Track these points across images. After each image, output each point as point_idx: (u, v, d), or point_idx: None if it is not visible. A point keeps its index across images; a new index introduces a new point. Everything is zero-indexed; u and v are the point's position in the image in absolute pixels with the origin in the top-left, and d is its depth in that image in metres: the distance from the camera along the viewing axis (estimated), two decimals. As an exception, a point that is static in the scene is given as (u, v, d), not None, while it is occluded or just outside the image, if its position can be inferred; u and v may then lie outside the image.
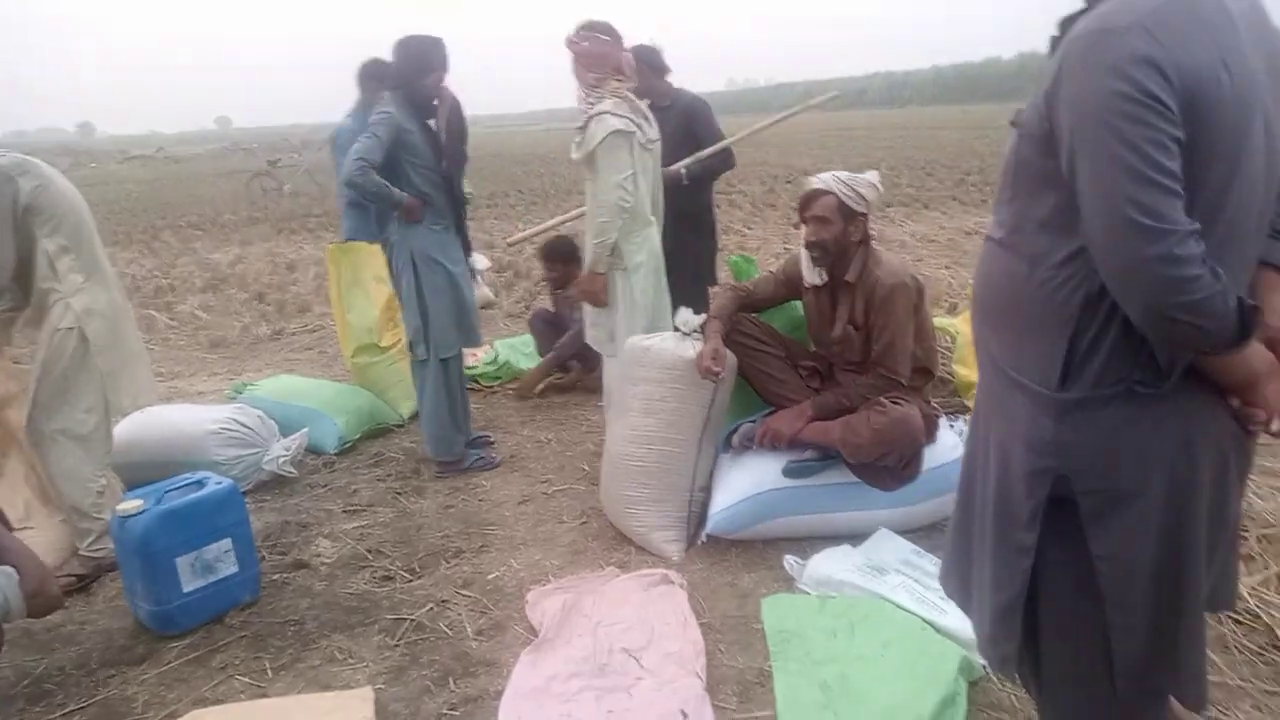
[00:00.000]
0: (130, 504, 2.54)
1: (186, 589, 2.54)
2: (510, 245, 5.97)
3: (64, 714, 2.28)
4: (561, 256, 4.77)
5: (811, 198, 2.78)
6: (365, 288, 4.41)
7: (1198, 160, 1.14)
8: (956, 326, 3.95)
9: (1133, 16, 1.14)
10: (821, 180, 2.79)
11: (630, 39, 3.34)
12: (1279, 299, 1.32)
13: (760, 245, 8.76)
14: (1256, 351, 1.23)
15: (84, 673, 2.45)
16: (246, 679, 2.38)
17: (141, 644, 2.56)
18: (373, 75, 4.51)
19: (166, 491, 2.61)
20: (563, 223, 4.71)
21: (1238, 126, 1.16)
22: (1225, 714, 2.04)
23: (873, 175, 2.83)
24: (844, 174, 2.79)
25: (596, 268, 3.23)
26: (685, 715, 2.08)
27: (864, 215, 2.78)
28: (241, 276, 8.59)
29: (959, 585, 1.62)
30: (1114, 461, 1.28)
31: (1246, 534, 2.57)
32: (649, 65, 3.87)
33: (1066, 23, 1.29)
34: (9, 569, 1.88)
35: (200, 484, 2.65)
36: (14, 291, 2.89)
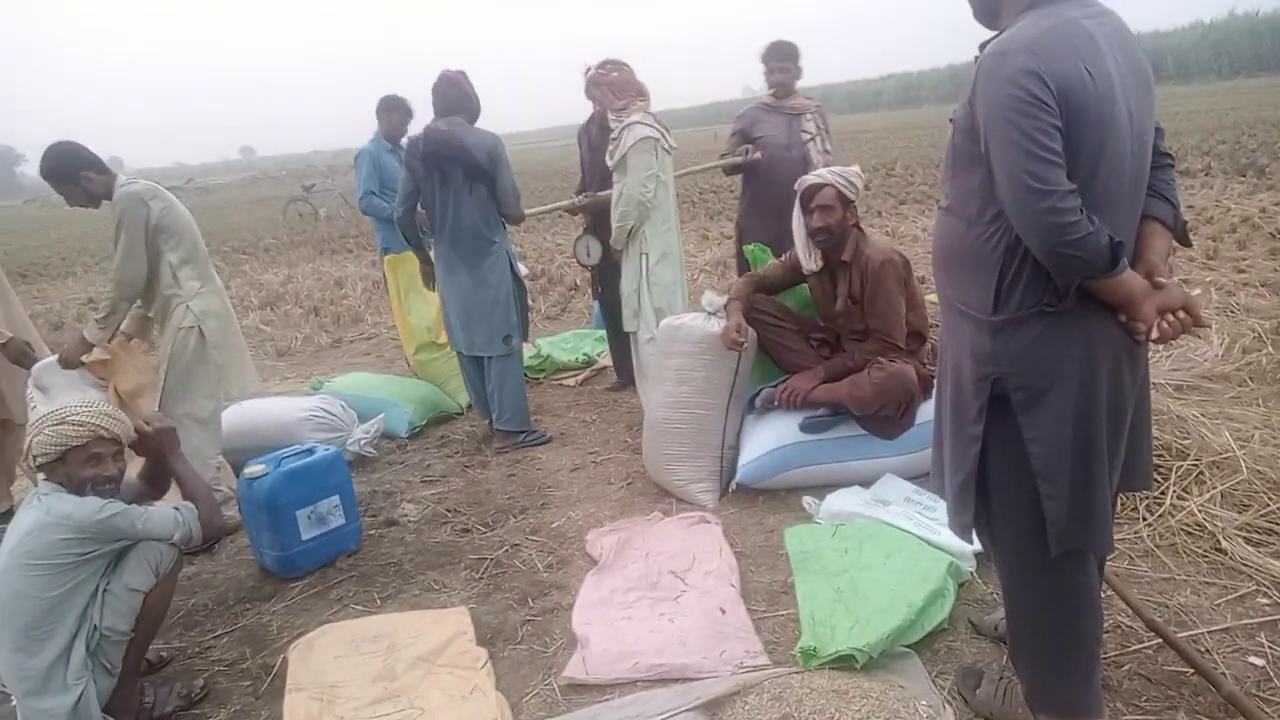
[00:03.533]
0: (256, 468, 3.07)
1: (305, 537, 3.05)
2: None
3: (214, 636, 2.80)
4: None
5: (814, 191, 3.24)
6: (422, 293, 4.92)
7: (1073, 140, 1.60)
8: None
9: (1021, 42, 1.62)
10: (819, 175, 3.27)
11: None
12: (1156, 242, 1.78)
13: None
14: (1133, 278, 1.68)
15: (224, 607, 2.97)
16: (360, 607, 2.88)
17: (268, 585, 3.08)
18: (388, 107, 5.12)
19: (283, 458, 3.12)
20: (564, 208, 5.12)
21: (1102, 115, 1.62)
22: (1169, 599, 2.47)
23: (856, 168, 3.32)
24: (836, 168, 3.28)
25: (616, 246, 4.13)
26: (724, 611, 2.55)
27: (854, 202, 3.25)
28: (295, 294, 9.21)
29: (937, 476, 2.07)
30: (1035, 365, 1.73)
31: (1199, 462, 3.00)
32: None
33: (983, 45, 1.77)
34: (189, 503, 2.40)
35: (310, 451, 3.17)
36: (142, 297, 3.43)
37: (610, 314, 5.05)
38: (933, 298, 4.26)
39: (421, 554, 3.20)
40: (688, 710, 2.12)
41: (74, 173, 3.22)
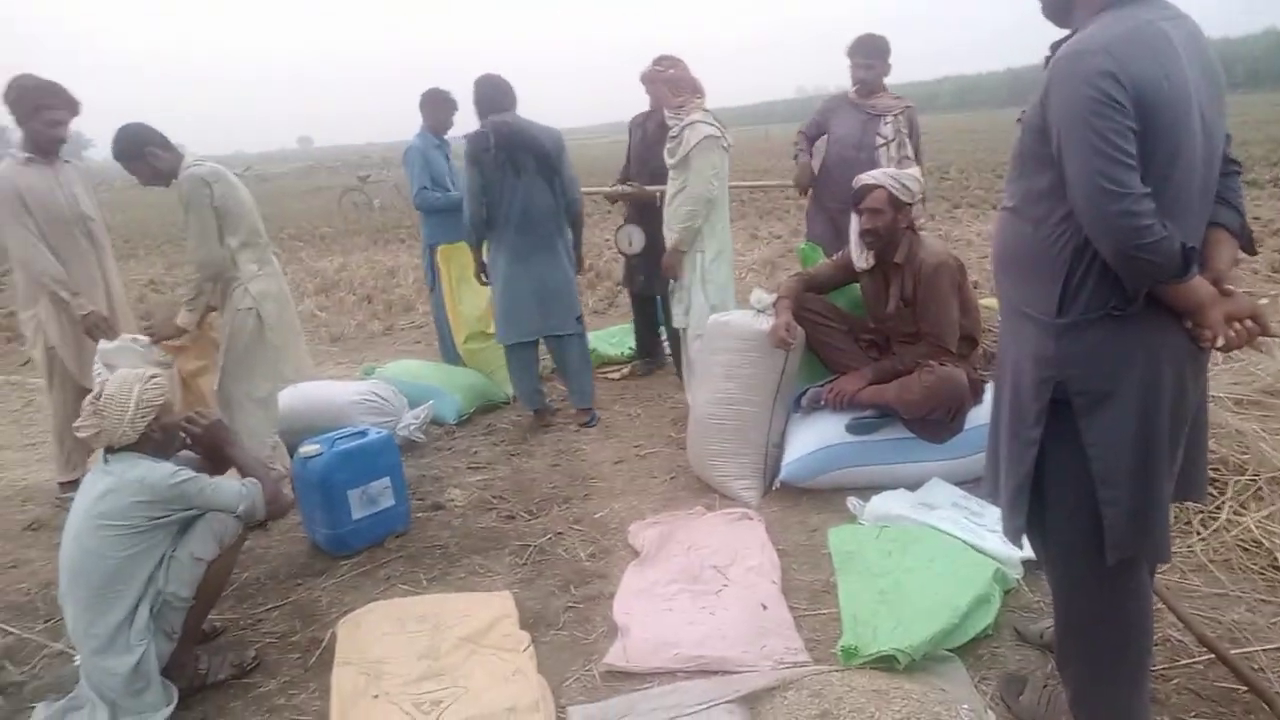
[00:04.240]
0: (310, 448, 3.15)
1: (356, 516, 3.13)
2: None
3: (266, 609, 2.88)
4: None
5: (865, 192, 3.23)
6: (472, 283, 4.99)
7: (1147, 143, 1.58)
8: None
9: (1098, 43, 1.60)
10: (872, 176, 3.25)
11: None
12: (1223, 249, 1.75)
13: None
14: (1202, 284, 1.65)
15: (276, 582, 3.06)
16: (407, 587, 2.95)
17: (319, 562, 3.16)
18: (433, 101, 5.15)
19: (337, 439, 3.20)
20: (606, 194, 5.25)
21: (1177, 119, 1.59)
22: (1222, 615, 2.42)
23: (915, 170, 3.28)
24: (892, 170, 3.26)
25: (680, 247, 4.01)
26: (765, 607, 2.56)
27: (910, 205, 3.23)
28: (349, 281, 9.41)
29: (991, 481, 2.05)
30: (1098, 369, 1.71)
31: (1257, 478, 2.93)
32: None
33: (1055, 45, 1.75)
34: (253, 480, 2.48)
35: (363, 433, 3.25)
36: None
37: (639, 304, 5.13)
38: (987, 302, 4.23)
39: (467, 538, 3.26)
40: (727, 702, 2.14)
41: (140, 150, 3.33)
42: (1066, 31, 1.77)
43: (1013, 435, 1.88)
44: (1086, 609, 1.86)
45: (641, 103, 4.64)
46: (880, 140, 4.31)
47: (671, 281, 4.22)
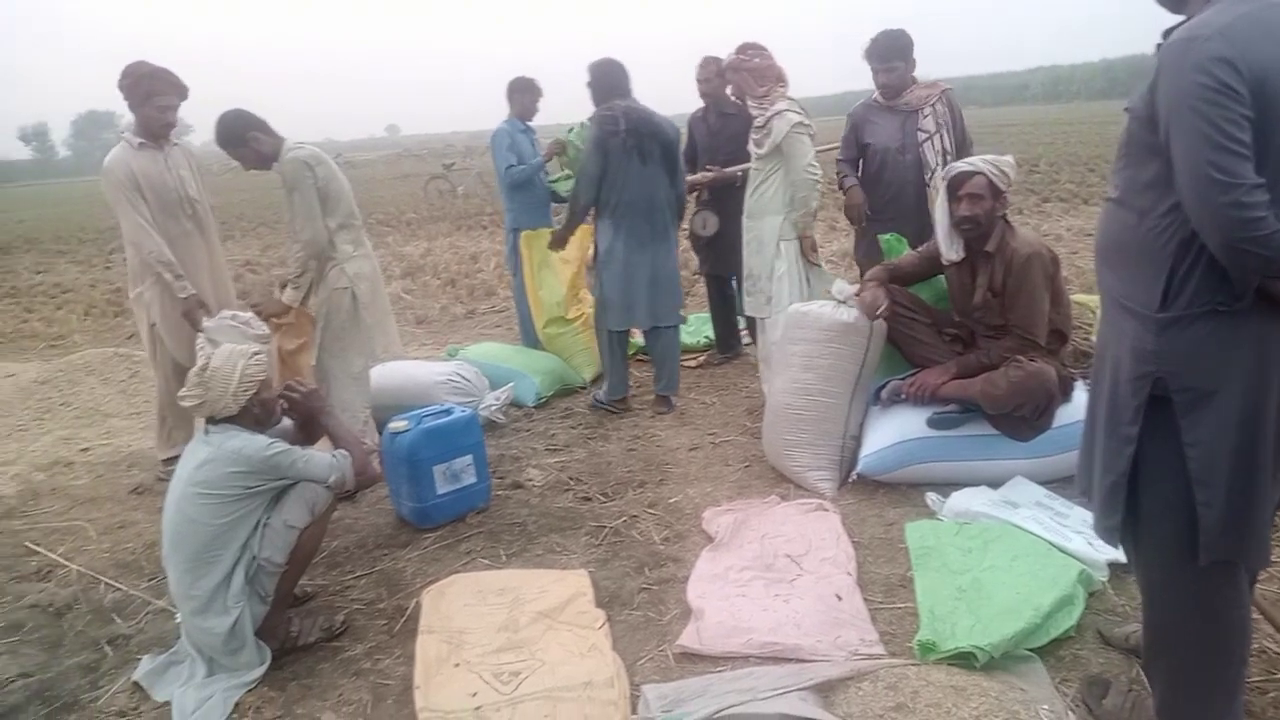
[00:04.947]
0: (400, 424, 3.27)
1: (440, 491, 3.24)
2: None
3: (354, 577, 3.01)
4: None
5: (964, 178, 3.15)
6: (554, 268, 5.08)
7: (1264, 133, 1.51)
8: (1098, 303, 4.18)
9: (1213, 28, 1.54)
10: (971, 163, 3.16)
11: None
12: None
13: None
14: None
15: (363, 551, 3.19)
16: (487, 561, 3.04)
17: (404, 534, 3.28)
18: (520, 89, 5.28)
19: (424, 417, 3.31)
20: (694, 181, 5.05)
21: None
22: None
23: (1010, 158, 3.19)
24: (990, 156, 3.17)
25: (807, 231, 3.99)
26: (840, 598, 2.55)
27: (1005, 192, 3.15)
28: (434, 266, 9.65)
29: (1083, 478, 2.00)
30: (1202, 365, 1.66)
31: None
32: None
33: (1167, 32, 1.69)
34: (344, 451, 2.59)
35: (449, 411, 3.36)
36: None
37: (716, 292, 5.15)
38: (1078, 298, 4.10)
39: (545, 517, 3.33)
40: (800, 689, 2.14)
41: (243, 135, 3.48)
42: (1179, 18, 1.71)
43: (1109, 432, 1.83)
44: (1178, 614, 1.81)
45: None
46: (923, 135, 4.07)
47: (746, 269, 4.20)
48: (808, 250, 4.03)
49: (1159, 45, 1.70)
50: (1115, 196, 1.80)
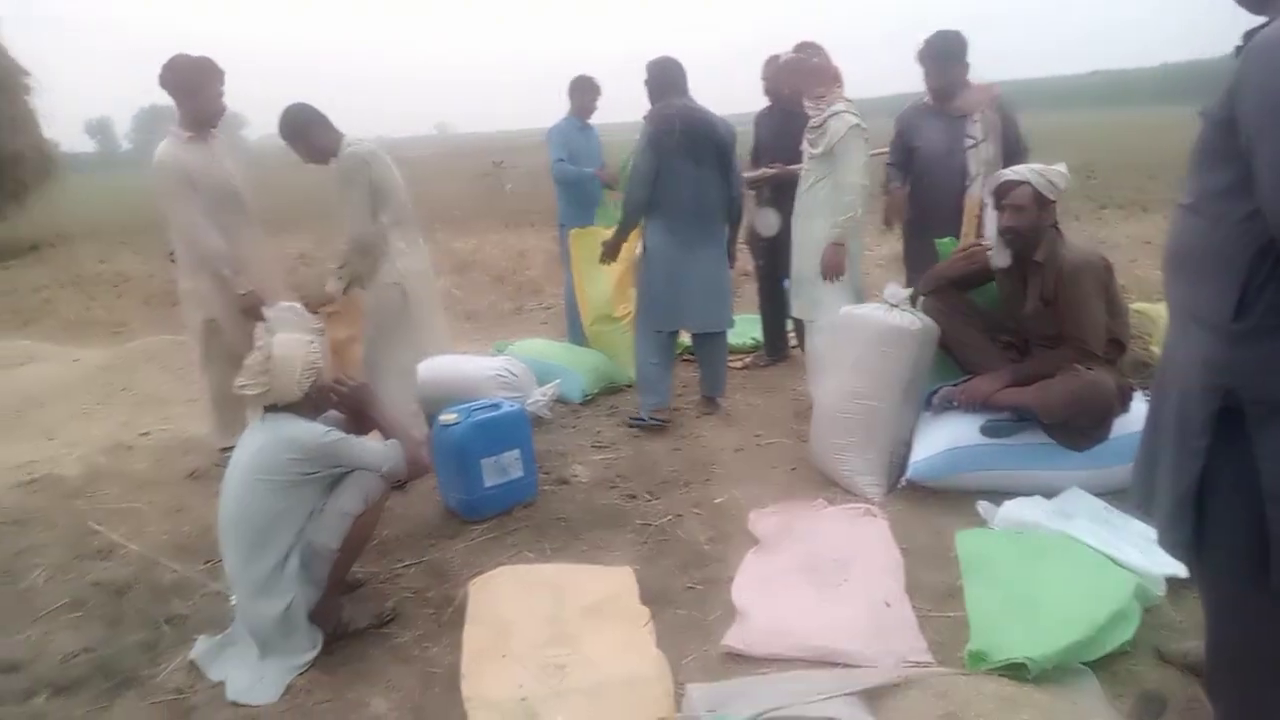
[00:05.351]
0: (450, 416, 3.31)
1: (487, 484, 3.28)
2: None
3: (403, 565, 3.06)
4: None
5: (1008, 188, 3.09)
6: (601, 267, 5.09)
7: None
8: (1159, 312, 4.09)
9: None
10: (1017, 172, 3.11)
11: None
12: None
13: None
14: None
15: (413, 540, 3.24)
16: (532, 555, 3.07)
17: (452, 525, 3.32)
18: (580, 88, 5.34)
19: (473, 410, 3.35)
20: (752, 178, 5.00)
21: None
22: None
23: (1061, 166, 3.12)
24: (1038, 165, 3.11)
25: (842, 240, 3.87)
26: (888, 605, 2.53)
27: (1054, 202, 3.08)
28: (483, 262, 9.77)
29: (1143, 488, 1.94)
30: (1277, 378, 1.61)
31: None
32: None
33: (1249, 34, 1.64)
34: (395, 441, 2.64)
35: (497, 406, 3.39)
36: None
37: (767, 295, 5.12)
38: (1138, 307, 4.01)
39: (590, 513, 3.35)
40: (846, 695, 2.12)
41: (304, 129, 3.54)
42: (1261, 19, 1.66)
43: (1178, 445, 1.79)
44: (1245, 635, 1.75)
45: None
46: (970, 142, 3.96)
47: (795, 271, 4.16)
48: (830, 263, 3.89)
49: (1238, 48, 1.65)
50: (1188, 203, 1.76)
